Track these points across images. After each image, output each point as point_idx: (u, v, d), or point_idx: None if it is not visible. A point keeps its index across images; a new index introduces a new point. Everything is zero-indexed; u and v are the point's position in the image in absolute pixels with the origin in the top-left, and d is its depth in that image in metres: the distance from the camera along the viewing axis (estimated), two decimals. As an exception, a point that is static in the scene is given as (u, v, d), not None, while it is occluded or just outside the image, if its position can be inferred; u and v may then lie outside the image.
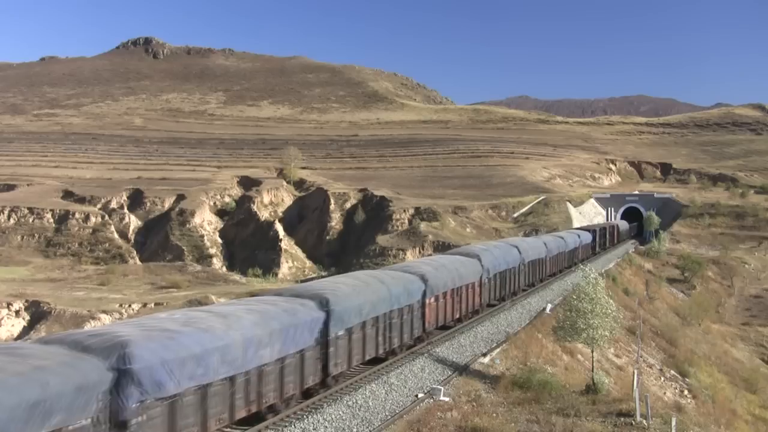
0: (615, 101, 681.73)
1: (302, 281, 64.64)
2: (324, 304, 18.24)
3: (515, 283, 36.83)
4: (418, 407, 18.46)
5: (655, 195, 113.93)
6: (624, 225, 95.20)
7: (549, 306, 35.15)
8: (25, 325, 55.50)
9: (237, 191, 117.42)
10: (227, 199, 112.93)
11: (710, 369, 41.17)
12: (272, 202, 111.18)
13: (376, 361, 21.56)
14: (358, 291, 20.42)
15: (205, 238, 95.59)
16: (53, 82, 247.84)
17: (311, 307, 17.79)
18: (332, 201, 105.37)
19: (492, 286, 32.67)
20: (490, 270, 31.97)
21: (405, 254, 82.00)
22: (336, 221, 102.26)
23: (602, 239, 71.15)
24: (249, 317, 15.66)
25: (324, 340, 18.08)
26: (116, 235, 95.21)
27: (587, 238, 60.40)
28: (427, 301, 24.68)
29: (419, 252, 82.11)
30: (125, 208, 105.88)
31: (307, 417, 16.65)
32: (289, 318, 16.55)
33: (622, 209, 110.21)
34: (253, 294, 40.16)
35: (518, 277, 37.44)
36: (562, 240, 49.82)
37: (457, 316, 28.29)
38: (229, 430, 15.17)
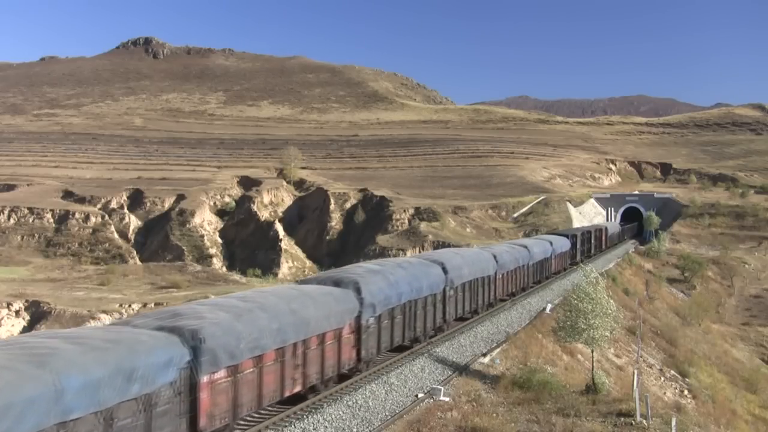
0: (615, 101, 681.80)
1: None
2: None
3: (428, 321, 24.75)
4: (418, 407, 18.45)
5: (655, 195, 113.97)
6: (614, 227, 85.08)
7: (549, 306, 35.14)
8: (25, 325, 55.53)
9: (237, 191, 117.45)
10: (227, 199, 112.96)
11: (710, 369, 41.19)
12: (272, 202, 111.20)
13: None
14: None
15: (205, 238, 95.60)
16: (53, 82, 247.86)
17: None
18: (332, 201, 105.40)
19: (388, 328, 21.83)
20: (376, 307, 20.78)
21: (405, 254, 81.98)
22: (336, 221, 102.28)
23: (585, 245, 60.55)
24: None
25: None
26: (116, 235, 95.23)
27: (563, 245, 49.50)
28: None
29: (419, 252, 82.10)
30: (125, 208, 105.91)
31: (307, 417, 16.65)
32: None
33: (622, 209, 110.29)
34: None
35: (443, 309, 26.03)
36: (525, 250, 38.15)
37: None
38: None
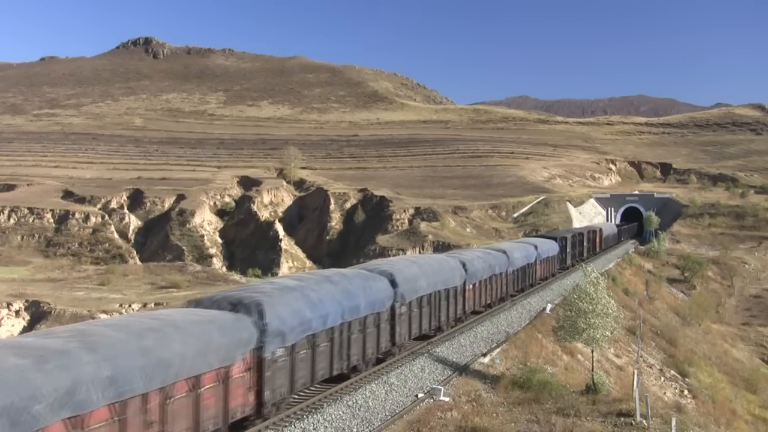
0: (615, 101, 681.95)
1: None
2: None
3: (369, 346, 20.47)
4: (418, 407, 18.45)
5: (655, 195, 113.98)
6: (609, 228, 79.63)
7: (549, 306, 35.15)
8: (25, 325, 55.55)
9: (237, 191, 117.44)
10: (227, 199, 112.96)
11: (710, 369, 41.18)
12: (272, 202, 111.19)
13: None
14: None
15: (205, 238, 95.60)
16: (53, 82, 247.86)
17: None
18: (332, 201, 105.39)
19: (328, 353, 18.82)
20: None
21: (405, 254, 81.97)
22: (336, 221, 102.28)
23: (576, 248, 56.25)
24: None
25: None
26: (116, 235, 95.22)
27: (549, 249, 45.15)
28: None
29: (419, 252, 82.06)
30: (125, 208, 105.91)
31: (307, 417, 16.64)
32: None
33: (622, 209, 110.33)
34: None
35: (390, 329, 21.87)
36: (502, 256, 33.85)
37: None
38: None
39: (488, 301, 32.09)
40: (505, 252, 34.58)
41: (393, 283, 21.72)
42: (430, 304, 24.70)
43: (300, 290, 17.49)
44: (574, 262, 53.76)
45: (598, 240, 67.15)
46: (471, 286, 28.97)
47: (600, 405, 19.63)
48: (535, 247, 40.80)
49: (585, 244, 59.83)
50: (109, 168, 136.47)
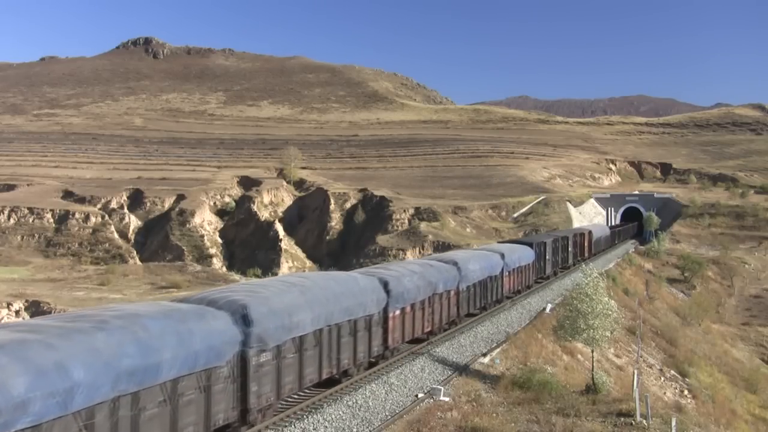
0: (615, 101, 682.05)
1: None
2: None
3: (209, 417, 13.95)
4: (418, 407, 18.45)
5: (655, 195, 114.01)
6: (601, 230, 71.53)
7: (549, 306, 35.15)
8: (25, 325, 55.49)
9: (237, 191, 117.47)
10: (227, 199, 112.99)
11: (710, 369, 41.19)
12: (272, 202, 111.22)
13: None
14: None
15: (205, 238, 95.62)
16: (53, 82, 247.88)
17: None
18: (332, 201, 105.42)
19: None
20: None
21: (405, 254, 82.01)
22: (336, 221, 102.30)
23: (559, 255, 49.10)
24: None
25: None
26: (116, 235, 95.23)
27: (522, 257, 37.98)
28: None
29: (419, 252, 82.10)
30: (125, 208, 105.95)
31: (307, 417, 16.65)
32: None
33: (622, 209, 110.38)
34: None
35: (246, 390, 15.18)
36: (451, 269, 27.23)
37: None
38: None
39: (427, 329, 25.22)
40: (455, 263, 27.86)
41: (245, 321, 14.62)
42: (321, 344, 17.71)
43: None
44: (556, 271, 48.06)
45: (586, 244, 59.70)
46: (397, 313, 22.29)
47: (600, 405, 19.63)
48: (502, 255, 33.81)
49: (570, 249, 52.78)
50: (109, 168, 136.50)
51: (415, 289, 23.49)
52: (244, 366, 14.58)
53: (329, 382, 18.75)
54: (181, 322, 13.21)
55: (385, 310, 21.51)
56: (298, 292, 17.25)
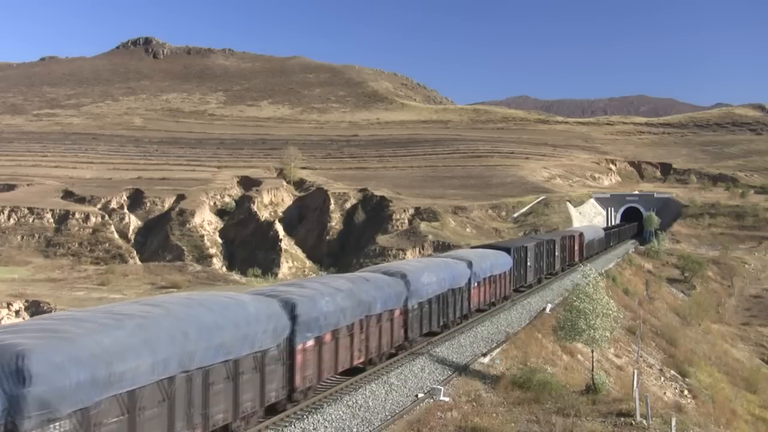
0: (615, 101, 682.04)
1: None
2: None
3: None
4: (418, 407, 18.46)
5: (655, 195, 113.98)
6: (594, 232, 66.46)
7: (549, 306, 35.16)
8: (25, 325, 55.48)
9: (237, 191, 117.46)
10: (227, 199, 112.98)
11: (710, 369, 41.19)
12: (272, 202, 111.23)
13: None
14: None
15: (205, 238, 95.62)
16: (53, 82, 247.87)
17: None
18: (332, 201, 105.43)
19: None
20: None
21: (405, 254, 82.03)
22: (336, 221, 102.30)
23: (544, 260, 44.21)
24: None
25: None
26: (116, 235, 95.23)
27: (496, 264, 33.08)
28: None
29: (419, 252, 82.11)
30: (125, 208, 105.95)
31: (307, 417, 16.65)
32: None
33: (622, 209, 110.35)
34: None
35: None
36: (396, 283, 22.73)
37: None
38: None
39: (359, 360, 20.30)
40: (403, 276, 23.20)
41: (18, 378, 9.99)
42: (172, 398, 12.80)
43: None
44: (541, 278, 43.74)
45: (577, 248, 54.83)
46: (309, 344, 17.37)
47: (600, 405, 19.65)
48: (469, 263, 29.23)
49: (558, 253, 47.99)
50: (109, 168, 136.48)
51: (338, 311, 18.49)
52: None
53: None
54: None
55: (291, 342, 16.60)
56: (135, 326, 12.36)
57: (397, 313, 22.60)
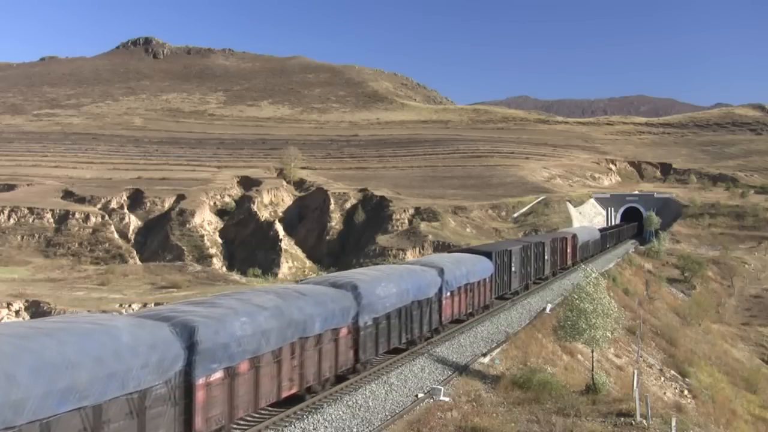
0: (615, 101, 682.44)
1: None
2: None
3: None
4: (418, 407, 18.45)
5: (655, 195, 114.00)
6: (589, 234, 62.27)
7: (549, 306, 35.15)
8: (25, 325, 55.43)
9: (237, 191, 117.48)
10: (227, 199, 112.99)
11: (710, 369, 41.16)
12: (272, 202, 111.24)
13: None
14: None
15: (205, 238, 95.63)
16: (53, 82, 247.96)
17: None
18: (332, 201, 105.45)
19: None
20: None
21: (405, 254, 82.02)
22: (336, 221, 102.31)
23: (531, 266, 40.33)
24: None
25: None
26: (116, 235, 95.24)
27: (473, 271, 29.45)
28: None
29: (419, 252, 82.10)
30: (125, 208, 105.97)
31: (307, 417, 16.65)
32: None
33: (622, 209, 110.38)
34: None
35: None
36: (344, 296, 19.35)
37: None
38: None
39: (289, 390, 16.71)
40: (354, 288, 19.83)
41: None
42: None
43: None
44: (528, 284, 40.23)
45: (569, 250, 51.19)
46: (215, 377, 13.90)
47: (600, 405, 19.64)
48: (440, 271, 25.78)
49: (548, 257, 44.56)
50: (109, 168, 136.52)
51: (258, 334, 15.05)
52: None
53: None
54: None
55: (187, 375, 13.18)
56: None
57: (344, 332, 19.01)
